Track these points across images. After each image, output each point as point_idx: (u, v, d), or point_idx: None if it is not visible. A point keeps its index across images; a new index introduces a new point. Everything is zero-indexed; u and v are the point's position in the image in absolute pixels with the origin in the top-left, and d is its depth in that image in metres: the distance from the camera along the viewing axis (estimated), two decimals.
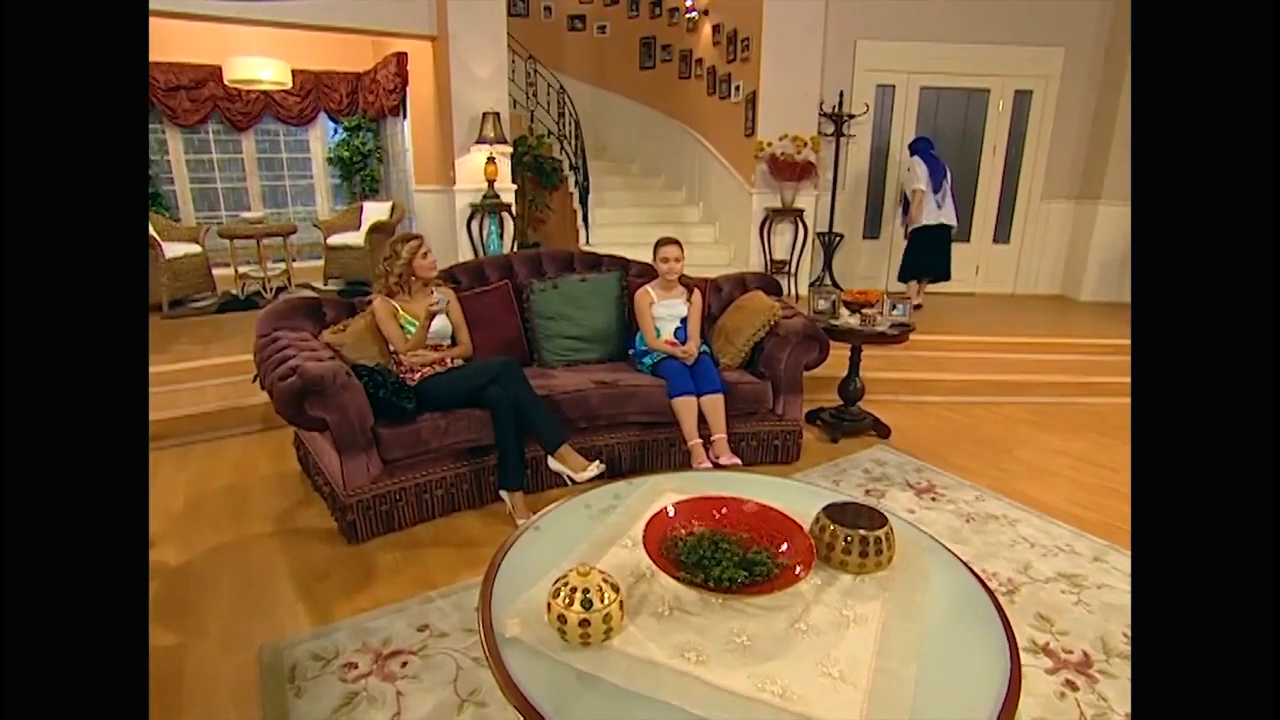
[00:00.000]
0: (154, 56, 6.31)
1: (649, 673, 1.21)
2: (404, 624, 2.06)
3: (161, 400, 3.50)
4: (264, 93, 6.94)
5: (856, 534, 1.53)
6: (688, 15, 6.92)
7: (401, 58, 6.41)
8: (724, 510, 1.58)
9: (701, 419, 2.98)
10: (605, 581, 1.25)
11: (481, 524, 2.71)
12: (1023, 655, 1.98)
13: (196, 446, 3.40)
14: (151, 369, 3.73)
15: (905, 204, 5.51)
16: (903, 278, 5.58)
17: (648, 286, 3.24)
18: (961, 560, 1.64)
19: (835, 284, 5.92)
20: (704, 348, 3.19)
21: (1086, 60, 5.92)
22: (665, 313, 3.21)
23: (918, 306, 5.41)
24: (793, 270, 5.87)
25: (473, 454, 2.75)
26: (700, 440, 2.95)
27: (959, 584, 1.56)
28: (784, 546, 1.49)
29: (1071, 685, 1.89)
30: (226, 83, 6.07)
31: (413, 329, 2.85)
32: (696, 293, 3.28)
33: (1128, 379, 4.47)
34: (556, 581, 1.26)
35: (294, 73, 6.50)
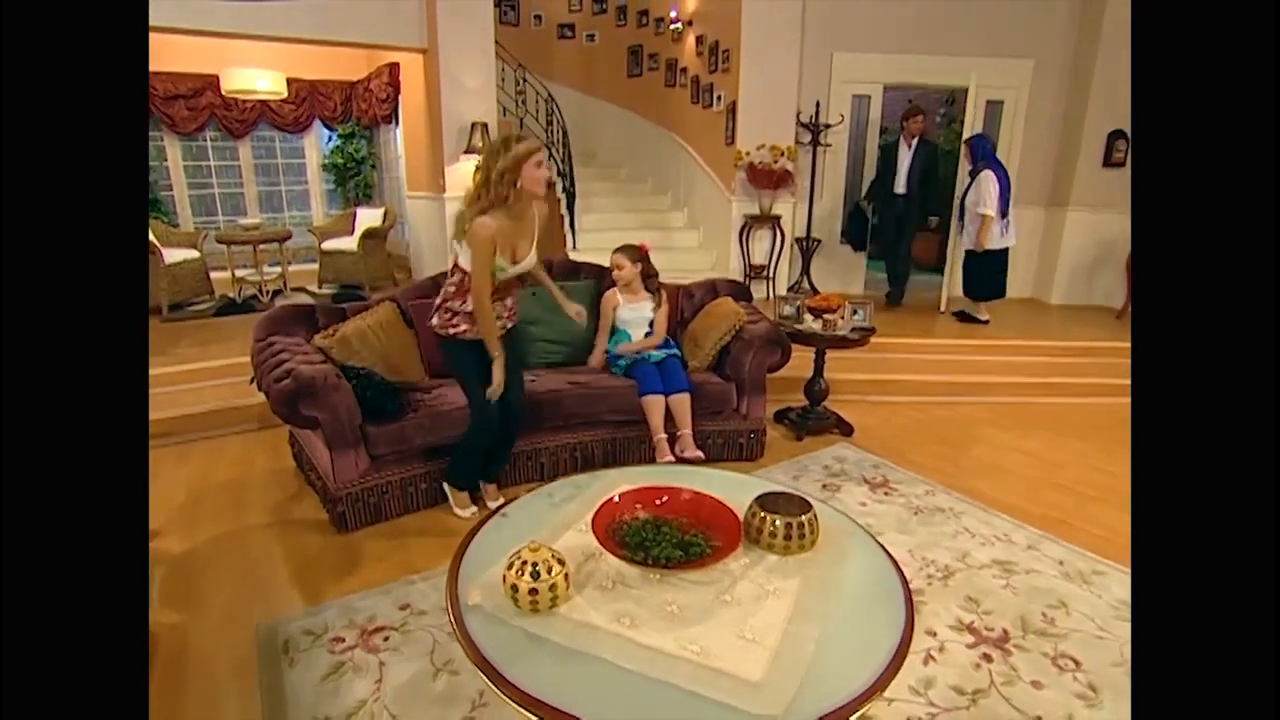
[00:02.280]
0: (153, 67, 6.48)
1: (588, 634, 1.41)
2: (388, 604, 2.27)
3: (163, 400, 3.69)
4: (260, 101, 7.13)
5: (782, 519, 1.74)
6: (673, 26, 7.12)
7: (394, 68, 6.60)
8: (664, 498, 1.79)
9: (670, 417, 3.19)
10: (553, 556, 1.46)
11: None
12: (947, 632, 2.21)
13: (197, 444, 3.60)
14: (153, 371, 3.92)
15: (961, 212, 5.48)
16: (973, 295, 5.60)
17: (615, 290, 3.45)
18: (879, 543, 1.84)
19: (813, 288, 6.12)
20: (674, 350, 3.40)
21: (1054, 72, 6.15)
22: (631, 315, 3.41)
23: (985, 320, 5.49)
24: (771, 275, 6.09)
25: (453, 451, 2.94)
26: (666, 435, 3.16)
27: (874, 564, 1.76)
28: (712, 528, 1.70)
29: (987, 658, 2.10)
30: (224, 93, 6.25)
31: (505, 270, 2.46)
32: (664, 294, 3.47)
33: (1088, 380, 4.70)
34: (510, 556, 1.47)
35: (289, 81, 6.69)
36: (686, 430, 3.17)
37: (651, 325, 3.42)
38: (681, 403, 3.17)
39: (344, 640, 2.09)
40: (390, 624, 2.16)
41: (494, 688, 1.31)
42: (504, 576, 1.45)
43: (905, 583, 1.67)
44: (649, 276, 3.45)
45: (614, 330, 3.49)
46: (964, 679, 2.01)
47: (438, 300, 2.66)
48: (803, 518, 1.75)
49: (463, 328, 2.58)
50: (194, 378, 4.09)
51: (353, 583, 2.41)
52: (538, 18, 8.39)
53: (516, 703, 1.26)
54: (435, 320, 2.65)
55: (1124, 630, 2.23)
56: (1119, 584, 2.49)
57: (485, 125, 5.55)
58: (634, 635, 1.42)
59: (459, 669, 1.94)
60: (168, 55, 6.50)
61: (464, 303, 2.54)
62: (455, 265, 2.56)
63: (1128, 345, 5.01)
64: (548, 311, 3.48)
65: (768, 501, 1.81)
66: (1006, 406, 4.44)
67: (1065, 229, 6.34)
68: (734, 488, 1.98)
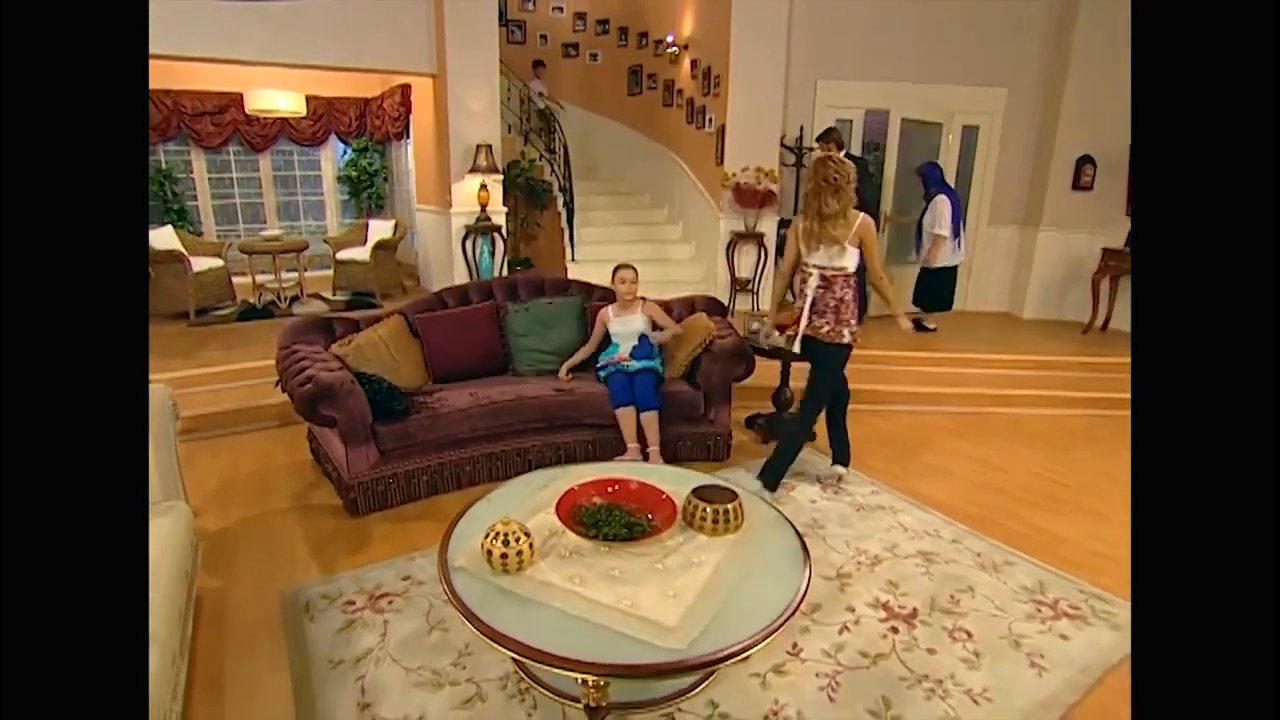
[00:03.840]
0: (181, 85, 6.96)
1: (545, 590, 1.82)
2: (392, 575, 2.68)
3: (194, 400, 4.11)
4: (280, 117, 7.58)
5: (712, 506, 2.13)
6: (669, 49, 7.52)
7: (406, 89, 7.04)
8: (615, 487, 2.19)
9: (643, 430, 3.56)
10: (520, 529, 1.86)
11: (459, 504, 3.23)
12: (865, 609, 2.60)
13: (224, 439, 4.03)
14: (183, 372, 4.38)
15: (919, 233, 5.96)
16: (926, 307, 6.12)
17: (609, 306, 3.83)
18: (795, 529, 2.23)
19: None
20: (653, 364, 3.67)
21: (1026, 100, 6.52)
22: (623, 329, 3.78)
23: (933, 329, 5.98)
24: (756, 289, 6.47)
25: (451, 447, 3.35)
26: (638, 445, 3.54)
27: (788, 546, 2.15)
28: (655, 513, 2.10)
29: (895, 630, 2.48)
30: (248, 112, 6.70)
31: None
32: (650, 303, 3.80)
33: (1045, 392, 5.06)
34: (488, 528, 1.87)
35: (307, 98, 7.15)
36: (654, 447, 3.53)
37: (641, 339, 3.71)
38: (650, 421, 3.52)
39: (355, 603, 2.51)
40: (394, 591, 2.58)
41: (471, 627, 1.71)
42: (482, 544, 1.86)
43: (809, 562, 2.06)
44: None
45: (606, 343, 3.82)
46: (870, 645, 2.38)
47: (829, 312, 3.15)
48: (729, 505, 2.14)
49: (847, 337, 3.17)
50: (219, 379, 4.51)
51: (362, 558, 2.83)
52: (543, 37, 8.82)
53: (487, 637, 1.67)
54: (827, 328, 3.16)
55: (1018, 610, 2.61)
56: (1024, 573, 2.86)
57: (489, 146, 5.97)
58: (581, 591, 1.82)
59: (450, 626, 2.35)
60: (196, 75, 6.96)
61: (848, 308, 3.13)
62: (831, 275, 3.12)
63: (1088, 359, 5.45)
64: (539, 325, 3.90)
65: (703, 492, 2.21)
66: (967, 416, 4.78)
67: (1037, 247, 6.71)
68: (681, 481, 2.38)
